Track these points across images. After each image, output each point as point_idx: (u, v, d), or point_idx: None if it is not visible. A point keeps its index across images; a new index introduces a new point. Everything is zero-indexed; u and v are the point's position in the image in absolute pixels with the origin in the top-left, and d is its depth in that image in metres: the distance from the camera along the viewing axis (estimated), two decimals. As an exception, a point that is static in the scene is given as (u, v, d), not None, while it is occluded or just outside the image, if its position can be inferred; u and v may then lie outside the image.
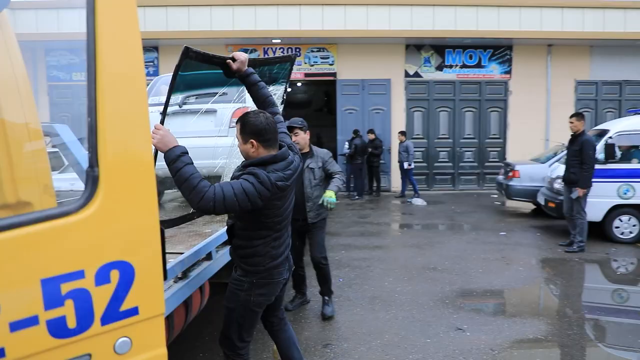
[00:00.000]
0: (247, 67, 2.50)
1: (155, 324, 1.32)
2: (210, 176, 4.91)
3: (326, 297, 4.30)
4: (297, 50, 12.44)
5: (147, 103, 1.27)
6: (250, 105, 4.94)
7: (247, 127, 2.25)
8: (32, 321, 1.06)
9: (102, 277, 1.18)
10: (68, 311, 1.13)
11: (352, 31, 11.68)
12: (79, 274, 1.13)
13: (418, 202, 10.71)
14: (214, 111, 4.79)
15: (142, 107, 1.27)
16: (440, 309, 4.36)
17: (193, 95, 4.99)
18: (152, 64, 12.51)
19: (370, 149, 11.58)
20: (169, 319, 2.49)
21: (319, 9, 11.84)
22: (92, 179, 1.14)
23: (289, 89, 4.34)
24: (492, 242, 7.01)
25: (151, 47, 12.40)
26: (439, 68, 12.57)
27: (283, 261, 2.46)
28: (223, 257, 3.19)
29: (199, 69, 2.33)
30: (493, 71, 12.63)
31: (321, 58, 12.51)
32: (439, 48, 12.49)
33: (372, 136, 11.63)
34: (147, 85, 5.45)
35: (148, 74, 10.83)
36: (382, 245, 6.87)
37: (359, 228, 8.07)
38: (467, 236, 7.39)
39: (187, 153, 2.01)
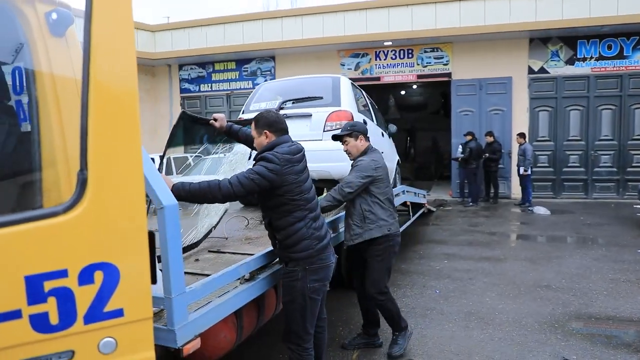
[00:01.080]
0: (226, 123, 2.95)
1: (142, 326, 1.31)
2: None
3: (396, 333, 3.54)
4: (410, 51, 12.08)
5: (138, 108, 1.27)
6: (346, 108, 4.94)
7: (260, 121, 2.60)
8: (16, 314, 1.11)
9: (85, 277, 1.20)
10: (51, 308, 1.16)
11: (468, 28, 10.96)
12: (63, 273, 1.16)
13: (540, 210, 9.61)
14: (309, 115, 4.85)
15: (133, 112, 1.27)
16: (547, 334, 3.79)
17: (290, 100, 5.13)
18: (269, 72, 13.25)
19: (487, 154, 10.75)
20: (238, 319, 2.55)
21: (432, 8, 11.34)
22: (81, 182, 1.16)
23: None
24: (626, 260, 5.94)
25: (269, 57, 13.11)
26: (570, 62, 11.14)
27: (328, 244, 2.61)
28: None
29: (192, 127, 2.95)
30: (639, 62, 10.79)
31: (435, 58, 11.96)
32: (569, 39, 11.06)
33: (490, 139, 10.78)
34: (250, 93, 5.71)
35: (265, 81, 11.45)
36: (490, 256, 6.28)
37: (468, 237, 7.56)
38: (595, 252, 6.38)
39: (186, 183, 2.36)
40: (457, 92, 11.93)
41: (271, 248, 2.85)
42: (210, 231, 3.48)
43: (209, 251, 3.29)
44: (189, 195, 2.31)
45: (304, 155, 2.64)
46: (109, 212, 1.26)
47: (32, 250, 1.15)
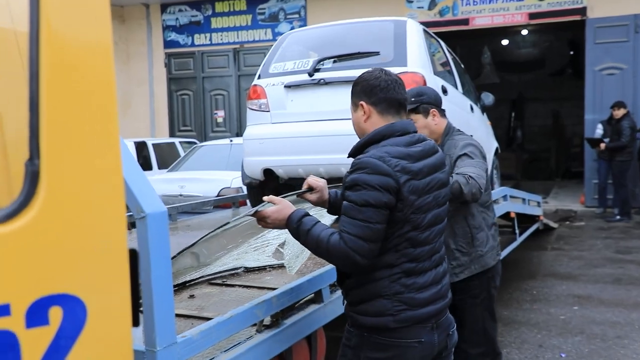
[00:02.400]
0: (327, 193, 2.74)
1: None
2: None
3: None
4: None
5: (113, 67, 1.30)
6: (415, 69, 4.92)
7: (357, 85, 2.43)
8: None
9: (36, 316, 1.23)
10: None
11: None
12: (3, 310, 1.20)
13: None
14: (358, 80, 4.87)
15: (106, 73, 1.30)
16: None
17: (329, 58, 5.17)
18: (297, 15, 13.35)
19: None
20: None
21: None
22: (30, 176, 1.21)
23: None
24: None
25: (297, -7, 13.20)
26: None
27: (430, 315, 2.37)
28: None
29: None
30: None
31: (559, -14, 11.76)
32: None
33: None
34: (272, 47, 5.79)
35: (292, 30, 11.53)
36: (651, 303, 6.14)
37: (613, 269, 7.44)
38: None
39: (307, 214, 2.40)
40: (595, 39, 11.69)
41: (303, 279, 2.89)
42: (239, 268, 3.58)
43: (210, 283, 3.36)
44: (302, 242, 2.40)
45: (438, 161, 2.42)
46: (72, 221, 1.30)
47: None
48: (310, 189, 2.68)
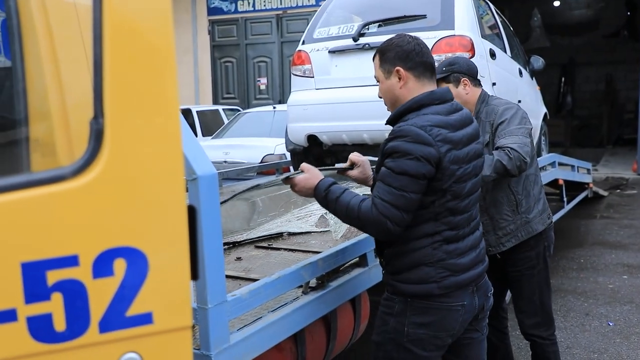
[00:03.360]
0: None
1: (178, 339, 1.42)
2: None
3: None
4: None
5: (172, 29, 1.36)
6: (464, 32, 4.88)
7: (388, 52, 2.39)
8: (9, 316, 1.25)
9: (102, 267, 1.31)
10: (55, 308, 1.28)
11: None
12: (72, 260, 1.28)
13: None
14: (403, 44, 4.84)
15: (166, 36, 1.36)
16: None
17: (374, 23, 5.15)
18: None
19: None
20: (298, 345, 2.68)
21: None
22: (95, 134, 1.28)
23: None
24: None
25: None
26: None
27: (471, 280, 2.43)
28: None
29: None
30: None
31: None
32: None
33: None
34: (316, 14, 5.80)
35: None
36: None
37: (667, 236, 7.33)
38: None
39: (335, 183, 2.43)
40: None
41: (348, 242, 2.94)
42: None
43: (256, 247, 3.45)
44: (332, 210, 2.43)
45: (474, 131, 2.45)
46: (134, 178, 1.37)
47: (30, 229, 1.29)
48: (352, 165, 2.69)
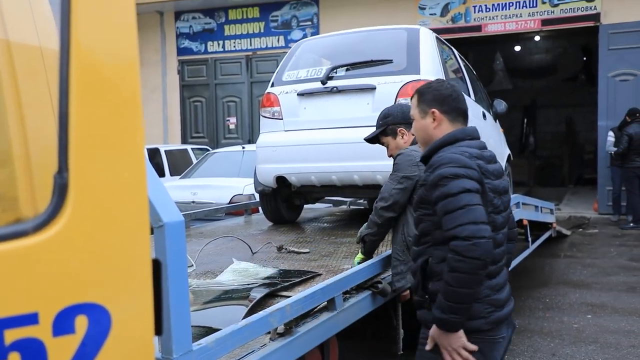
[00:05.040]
0: None
1: None
2: (365, 185, 5.03)
3: None
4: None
5: (138, 79, 1.35)
6: (428, 76, 4.94)
7: (427, 94, 2.59)
8: None
9: (63, 324, 1.27)
10: None
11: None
12: (31, 318, 1.24)
13: None
14: (371, 88, 4.90)
15: (132, 87, 1.34)
16: None
17: (342, 66, 5.21)
18: (309, 23, 13.43)
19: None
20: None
21: None
22: (59, 188, 1.25)
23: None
24: None
25: (309, 0, 13.25)
26: None
27: (508, 315, 2.52)
28: (356, 306, 3.23)
29: None
30: None
31: (573, -8, 11.74)
32: None
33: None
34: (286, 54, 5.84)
35: (305, 37, 11.62)
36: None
37: (627, 278, 7.42)
38: None
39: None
40: (609, 45, 11.69)
41: (316, 287, 2.91)
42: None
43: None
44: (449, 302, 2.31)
45: (500, 169, 2.57)
46: (98, 232, 1.34)
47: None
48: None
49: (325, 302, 3.00)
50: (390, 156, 3.60)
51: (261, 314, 2.52)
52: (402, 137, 3.47)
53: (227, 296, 3.31)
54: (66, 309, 1.29)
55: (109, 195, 1.34)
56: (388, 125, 3.48)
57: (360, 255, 3.63)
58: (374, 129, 3.77)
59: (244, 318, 2.61)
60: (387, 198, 3.35)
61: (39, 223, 1.26)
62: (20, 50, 1.54)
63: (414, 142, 3.45)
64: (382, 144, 3.63)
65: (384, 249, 3.88)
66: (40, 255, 1.26)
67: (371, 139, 3.66)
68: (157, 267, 1.50)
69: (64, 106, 1.26)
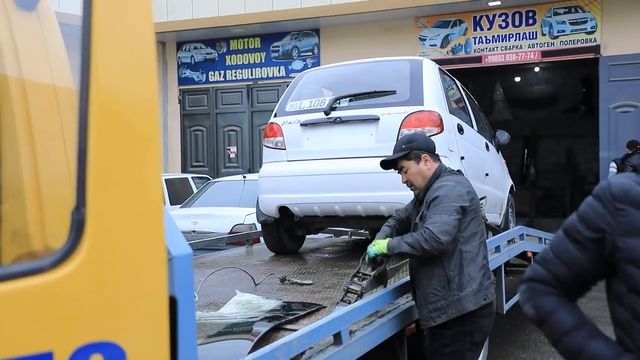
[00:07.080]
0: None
1: None
2: (369, 216, 5.01)
3: None
4: (530, 14, 11.99)
5: (158, 118, 1.36)
6: (432, 107, 4.97)
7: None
8: None
9: None
10: None
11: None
12: (46, 357, 1.22)
13: None
14: (375, 119, 4.92)
15: (152, 125, 1.35)
16: None
17: (346, 97, 5.23)
18: (310, 53, 13.53)
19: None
20: None
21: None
22: (76, 224, 1.25)
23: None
24: None
25: (310, 31, 13.41)
26: None
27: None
28: (362, 340, 3.20)
29: None
30: None
31: (572, 24, 11.90)
32: None
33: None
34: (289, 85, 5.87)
35: (305, 67, 11.72)
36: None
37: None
38: None
39: None
40: (609, 76, 11.77)
41: (323, 321, 2.89)
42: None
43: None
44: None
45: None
46: (115, 270, 1.33)
47: (3, 324, 1.22)
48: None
49: (332, 337, 2.98)
50: (405, 182, 3.51)
51: (267, 348, 2.49)
52: (426, 163, 3.39)
53: (231, 329, 3.29)
54: (81, 348, 1.28)
55: (126, 231, 1.33)
56: (412, 150, 3.39)
57: (382, 244, 3.36)
58: (377, 159, 3.69)
59: (249, 353, 2.59)
60: (451, 231, 3.15)
61: (55, 260, 1.26)
62: (40, 91, 1.55)
63: (435, 174, 3.44)
64: (400, 168, 3.49)
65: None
66: (57, 293, 1.26)
67: (388, 162, 3.55)
68: (173, 304, 1.49)
69: (83, 142, 1.27)
